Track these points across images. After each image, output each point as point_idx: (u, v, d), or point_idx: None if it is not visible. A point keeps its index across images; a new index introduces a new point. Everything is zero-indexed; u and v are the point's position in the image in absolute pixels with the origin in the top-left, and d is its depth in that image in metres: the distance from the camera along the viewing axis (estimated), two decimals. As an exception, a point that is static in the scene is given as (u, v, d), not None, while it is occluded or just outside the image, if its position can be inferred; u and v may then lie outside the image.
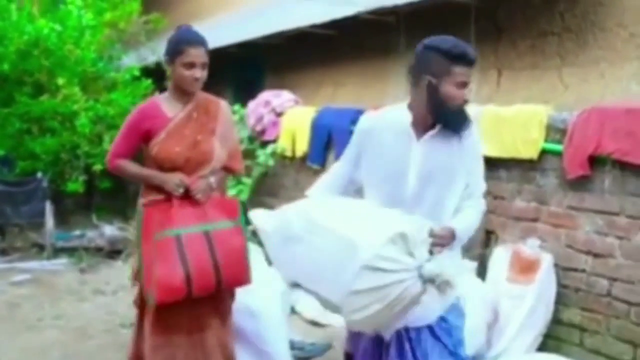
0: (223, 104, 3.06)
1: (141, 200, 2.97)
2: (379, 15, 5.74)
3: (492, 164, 4.01)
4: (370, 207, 2.37)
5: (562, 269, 3.79)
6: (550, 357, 3.53)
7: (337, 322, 4.14)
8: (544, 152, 3.90)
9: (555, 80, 4.80)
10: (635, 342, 3.44)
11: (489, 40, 5.37)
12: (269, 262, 3.19)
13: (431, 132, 2.38)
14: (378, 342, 2.41)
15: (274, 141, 6.45)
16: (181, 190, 2.83)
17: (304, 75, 7.78)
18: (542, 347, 3.78)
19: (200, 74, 2.86)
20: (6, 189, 6.67)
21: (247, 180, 6.29)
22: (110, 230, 6.63)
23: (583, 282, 3.70)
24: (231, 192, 5.67)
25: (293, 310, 4.55)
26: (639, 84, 4.36)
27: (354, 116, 5.44)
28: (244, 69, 8.49)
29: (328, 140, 5.87)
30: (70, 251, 6.42)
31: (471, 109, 4.28)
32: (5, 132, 6.93)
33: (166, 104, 2.95)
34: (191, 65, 2.83)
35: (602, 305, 3.60)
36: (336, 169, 2.65)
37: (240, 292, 3.12)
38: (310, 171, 6.11)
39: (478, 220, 2.45)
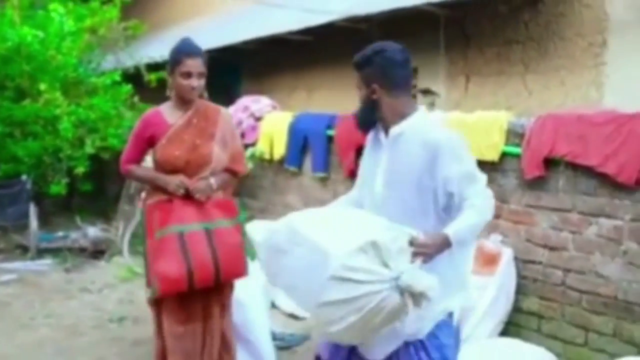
0: (223, 111, 3.25)
1: (146, 201, 3.17)
2: (353, 23, 5.95)
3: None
4: (357, 215, 2.29)
5: (521, 262, 4.04)
6: (511, 342, 3.79)
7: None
8: (504, 155, 4.11)
9: (520, 86, 5.02)
10: (587, 327, 3.72)
11: (458, 47, 5.60)
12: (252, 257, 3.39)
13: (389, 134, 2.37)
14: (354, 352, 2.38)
15: (253, 145, 6.57)
16: (182, 191, 3.02)
17: (279, 79, 7.93)
18: (504, 333, 4.00)
19: (197, 82, 3.05)
20: (-9, 191, 6.71)
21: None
22: (93, 231, 6.74)
23: (540, 273, 3.96)
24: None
25: (273, 305, 4.76)
26: (598, 91, 4.61)
27: (329, 121, 5.68)
28: (221, 73, 8.60)
29: (304, 143, 6.04)
30: (54, 252, 6.52)
31: (437, 115, 4.54)
32: (-13, 136, 6.95)
33: (168, 112, 3.16)
34: (188, 75, 3.02)
35: (558, 294, 3.86)
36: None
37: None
38: (288, 173, 6.29)
39: (482, 217, 2.28)
